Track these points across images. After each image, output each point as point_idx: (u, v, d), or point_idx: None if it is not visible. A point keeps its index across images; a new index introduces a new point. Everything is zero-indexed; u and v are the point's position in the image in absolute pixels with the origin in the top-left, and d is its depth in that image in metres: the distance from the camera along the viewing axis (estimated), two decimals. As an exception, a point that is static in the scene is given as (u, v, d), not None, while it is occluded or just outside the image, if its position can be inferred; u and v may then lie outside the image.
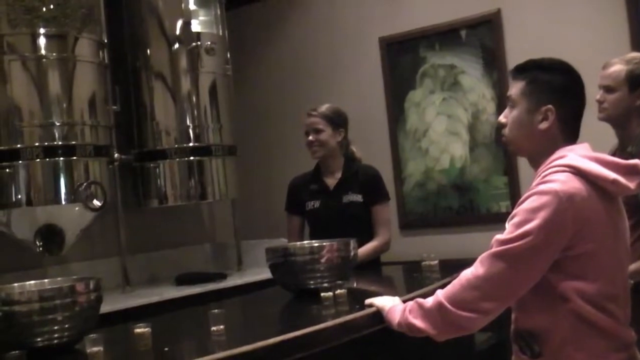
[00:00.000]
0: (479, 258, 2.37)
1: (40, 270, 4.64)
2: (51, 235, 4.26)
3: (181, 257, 5.44)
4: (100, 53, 4.44)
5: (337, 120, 4.30)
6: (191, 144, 4.92)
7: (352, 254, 3.31)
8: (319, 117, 4.29)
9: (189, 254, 5.56)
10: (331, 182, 4.30)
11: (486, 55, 5.14)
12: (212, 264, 5.66)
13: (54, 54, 4.14)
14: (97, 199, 4.19)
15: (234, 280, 4.91)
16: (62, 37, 4.19)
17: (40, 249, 4.28)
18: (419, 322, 2.48)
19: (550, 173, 2.31)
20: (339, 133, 4.29)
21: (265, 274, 4.03)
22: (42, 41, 4.12)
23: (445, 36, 5.32)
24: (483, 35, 5.15)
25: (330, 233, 3.76)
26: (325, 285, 3.01)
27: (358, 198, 4.21)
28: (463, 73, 5.24)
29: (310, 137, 4.28)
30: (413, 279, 3.69)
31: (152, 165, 4.93)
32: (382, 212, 4.28)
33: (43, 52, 4.11)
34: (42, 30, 4.11)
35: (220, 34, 5.15)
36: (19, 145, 4.06)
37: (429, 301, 2.48)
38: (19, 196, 4.10)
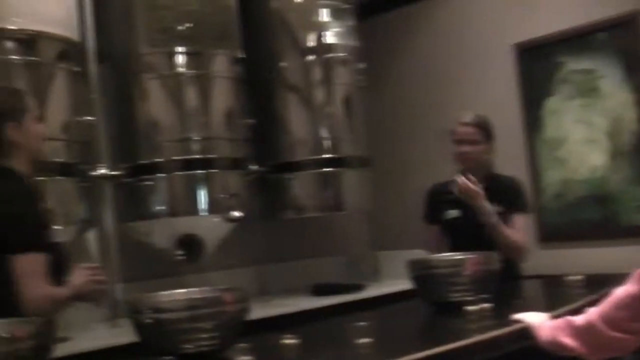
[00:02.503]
0: (634, 274, 2.28)
1: (179, 278, 4.72)
2: (190, 245, 4.34)
3: (317, 267, 5.45)
4: (236, 68, 4.52)
5: (490, 133, 4.17)
6: (325, 156, 4.93)
7: (495, 266, 3.25)
8: (474, 128, 4.13)
9: (324, 264, 5.56)
10: None
11: (626, 58, 4.95)
12: (347, 275, 5.64)
13: (191, 71, 4.25)
14: (235, 211, 4.26)
15: (371, 292, 4.90)
16: (199, 54, 4.30)
17: (180, 258, 4.36)
18: (569, 341, 2.41)
19: None
20: (490, 145, 4.18)
21: (402, 285, 4.01)
22: (179, 59, 4.25)
23: (582, 40, 5.15)
24: (621, 38, 4.96)
25: (469, 244, 3.69)
26: (469, 299, 2.96)
27: (499, 209, 4.05)
28: (602, 78, 5.06)
29: (466, 149, 4.12)
30: (557, 294, 3.57)
31: (287, 177, 4.97)
32: (518, 220, 4.10)
33: (180, 69, 4.23)
34: (178, 49, 4.23)
35: (354, 44, 5.16)
36: (158, 160, 4.18)
37: (579, 319, 2.41)
38: (160, 207, 4.21)
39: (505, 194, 4.11)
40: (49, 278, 2.71)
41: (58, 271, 2.79)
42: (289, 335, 2.49)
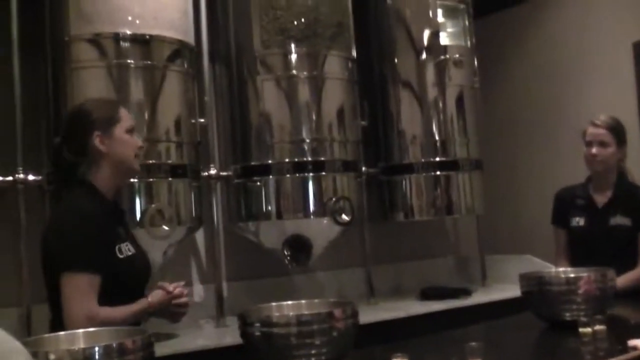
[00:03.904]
0: None
1: (287, 277, 4.75)
2: (299, 246, 4.34)
3: (425, 269, 5.41)
4: (349, 69, 4.50)
5: (622, 136, 3.99)
6: (438, 159, 4.87)
7: (610, 285, 3.13)
8: (605, 129, 3.95)
9: (432, 266, 5.52)
10: (600, 199, 4.01)
11: None
12: (455, 277, 5.59)
13: (305, 73, 4.25)
14: (345, 214, 4.24)
15: (479, 298, 4.83)
16: (313, 55, 4.29)
17: (288, 259, 4.37)
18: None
19: None
20: (622, 150, 4.00)
21: (511, 292, 3.96)
22: (293, 60, 4.25)
23: None
24: None
25: (593, 254, 3.64)
26: (583, 319, 2.85)
27: (626, 222, 3.91)
28: None
29: (594, 150, 3.95)
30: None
31: (398, 179, 4.93)
32: None
33: (294, 71, 4.23)
34: (293, 50, 4.23)
35: (469, 45, 5.08)
36: (269, 161, 4.21)
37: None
38: (269, 208, 4.23)
39: (636, 206, 3.95)
40: (109, 299, 2.66)
41: (123, 289, 2.76)
42: (399, 354, 2.43)
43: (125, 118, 2.87)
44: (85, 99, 3.27)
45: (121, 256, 2.76)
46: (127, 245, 2.82)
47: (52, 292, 2.72)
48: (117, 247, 2.77)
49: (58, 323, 2.66)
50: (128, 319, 2.69)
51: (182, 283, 2.89)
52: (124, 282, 2.77)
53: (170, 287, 2.82)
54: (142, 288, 2.88)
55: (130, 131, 2.86)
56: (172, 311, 2.86)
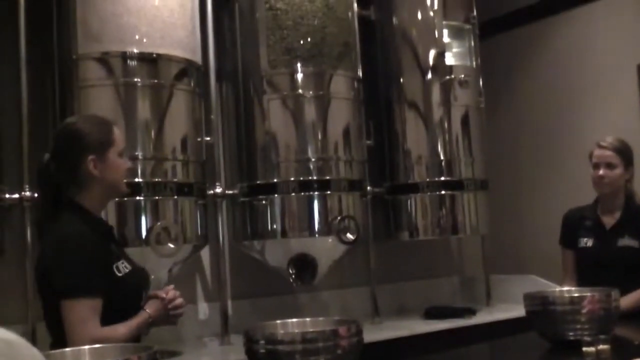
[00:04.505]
0: None
1: (292, 296, 4.75)
2: (304, 265, 4.35)
3: (429, 288, 5.41)
4: (355, 88, 4.52)
5: (630, 157, 4.02)
6: (443, 178, 4.88)
7: (614, 305, 3.13)
8: (612, 151, 3.98)
9: (437, 286, 5.52)
10: (608, 221, 4.03)
11: None
12: (459, 297, 5.60)
13: (311, 92, 4.27)
14: (350, 233, 4.25)
15: (483, 317, 4.83)
16: (319, 75, 4.31)
17: (293, 277, 4.38)
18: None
19: None
20: (629, 171, 4.02)
21: (515, 312, 3.96)
22: (299, 80, 4.27)
23: None
24: None
25: (600, 275, 3.65)
26: (586, 338, 2.85)
27: (634, 243, 3.91)
28: None
29: (601, 172, 3.97)
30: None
31: (403, 198, 4.94)
32: None
33: (300, 90, 4.25)
34: (299, 69, 4.26)
35: (474, 66, 5.10)
36: (275, 180, 4.22)
37: None
38: (274, 227, 4.25)
39: None
40: (110, 317, 2.66)
41: (124, 307, 2.77)
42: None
43: (119, 140, 2.84)
44: (76, 117, 3.24)
45: (120, 274, 2.75)
46: (123, 263, 2.81)
47: (51, 316, 2.71)
48: (114, 266, 2.75)
49: (59, 347, 2.64)
50: (132, 334, 2.70)
51: (172, 286, 2.92)
52: (125, 299, 2.77)
53: (163, 294, 2.85)
54: (141, 301, 2.90)
55: (121, 154, 2.85)
56: (169, 314, 2.88)
